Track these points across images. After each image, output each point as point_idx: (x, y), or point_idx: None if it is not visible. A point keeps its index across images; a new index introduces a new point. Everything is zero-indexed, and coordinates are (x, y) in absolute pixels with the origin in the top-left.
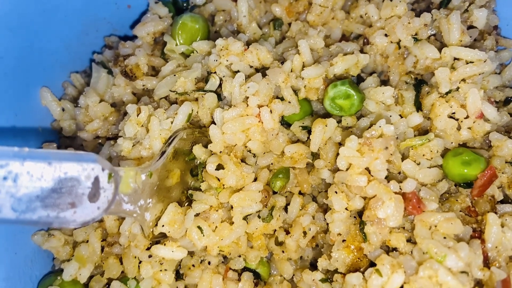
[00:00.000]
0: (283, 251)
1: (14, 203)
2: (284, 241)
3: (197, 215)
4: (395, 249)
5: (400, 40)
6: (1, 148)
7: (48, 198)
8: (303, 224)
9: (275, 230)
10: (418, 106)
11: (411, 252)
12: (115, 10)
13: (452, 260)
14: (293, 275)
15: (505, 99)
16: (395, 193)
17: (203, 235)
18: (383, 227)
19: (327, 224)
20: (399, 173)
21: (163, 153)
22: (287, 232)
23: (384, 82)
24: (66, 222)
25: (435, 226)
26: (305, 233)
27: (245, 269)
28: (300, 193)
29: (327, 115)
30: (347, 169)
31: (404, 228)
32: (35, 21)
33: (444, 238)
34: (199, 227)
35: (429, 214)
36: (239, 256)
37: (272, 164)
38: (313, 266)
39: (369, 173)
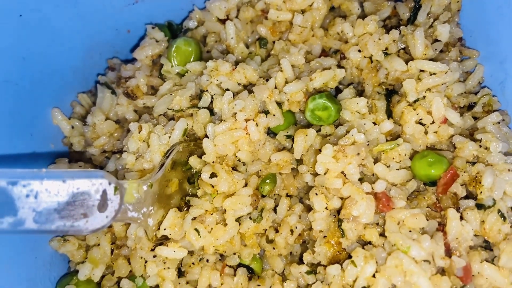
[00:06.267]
0: (273, 248)
1: (36, 216)
2: (274, 239)
3: (194, 218)
4: (370, 242)
5: (372, 55)
6: (24, 171)
7: (64, 210)
8: (290, 223)
9: (266, 230)
10: (389, 114)
11: (383, 244)
12: (116, 35)
13: (416, 250)
14: (284, 269)
15: (469, 104)
16: (367, 193)
17: (200, 237)
18: (358, 224)
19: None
20: (373, 175)
21: (162, 165)
22: (277, 231)
23: (361, 93)
24: (80, 230)
25: (403, 221)
26: (292, 231)
27: (240, 265)
28: (287, 195)
29: (309, 124)
30: (325, 174)
31: (378, 224)
32: (45, 49)
33: (410, 231)
34: (196, 230)
35: (397, 211)
36: (234, 253)
37: (260, 170)
38: (302, 260)
39: (345, 176)
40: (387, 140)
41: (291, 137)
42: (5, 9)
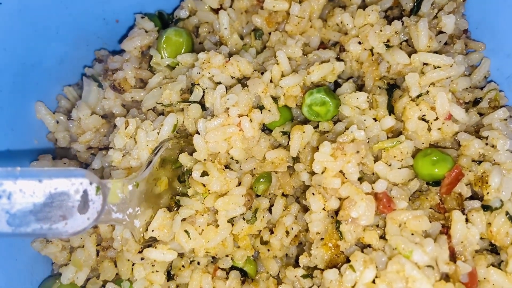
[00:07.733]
0: (268, 250)
1: (9, 218)
2: (269, 240)
3: (184, 219)
4: (369, 245)
5: (373, 47)
6: None
7: (41, 212)
8: (286, 224)
9: (260, 231)
10: (391, 110)
11: (384, 248)
12: (104, 25)
13: (418, 255)
14: (279, 271)
15: (474, 99)
16: (367, 193)
17: (190, 238)
18: (357, 226)
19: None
20: (373, 174)
21: (149, 163)
22: (272, 232)
23: (361, 87)
24: (59, 233)
25: (404, 223)
26: (287, 232)
27: (233, 267)
28: (283, 194)
29: (306, 120)
30: (322, 172)
31: (378, 226)
32: (28, 39)
33: (412, 234)
34: (186, 231)
35: (399, 212)
36: (227, 256)
37: (254, 169)
38: (298, 263)
39: (343, 175)
40: (388, 137)
41: (287, 134)
42: None
